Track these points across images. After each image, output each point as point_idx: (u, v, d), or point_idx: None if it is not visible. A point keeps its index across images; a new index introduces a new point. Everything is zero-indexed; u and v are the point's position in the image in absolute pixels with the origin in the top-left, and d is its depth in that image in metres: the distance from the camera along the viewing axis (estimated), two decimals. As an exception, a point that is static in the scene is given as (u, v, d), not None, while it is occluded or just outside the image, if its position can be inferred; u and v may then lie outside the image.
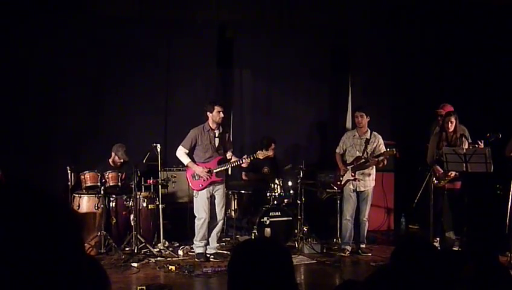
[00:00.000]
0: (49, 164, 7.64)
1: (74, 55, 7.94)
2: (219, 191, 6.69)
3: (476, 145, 6.52)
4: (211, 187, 6.61)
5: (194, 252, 6.72)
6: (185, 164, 6.67)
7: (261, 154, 6.66)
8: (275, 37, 8.89)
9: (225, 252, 6.87)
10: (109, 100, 8.22)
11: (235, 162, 6.65)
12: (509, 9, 8.19)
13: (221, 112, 6.51)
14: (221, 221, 6.76)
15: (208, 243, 6.69)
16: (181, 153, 6.62)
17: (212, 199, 6.64)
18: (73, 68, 7.99)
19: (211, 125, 6.57)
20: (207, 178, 6.51)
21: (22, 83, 7.75)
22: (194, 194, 6.62)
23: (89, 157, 7.59)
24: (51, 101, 7.89)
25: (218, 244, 6.84)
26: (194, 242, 6.66)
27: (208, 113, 6.54)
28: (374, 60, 9.28)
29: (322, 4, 8.85)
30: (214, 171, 6.54)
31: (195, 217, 6.63)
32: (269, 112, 8.94)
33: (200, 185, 6.55)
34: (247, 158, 6.59)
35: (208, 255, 6.66)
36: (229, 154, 6.78)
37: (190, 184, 6.66)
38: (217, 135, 6.62)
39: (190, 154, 6.62)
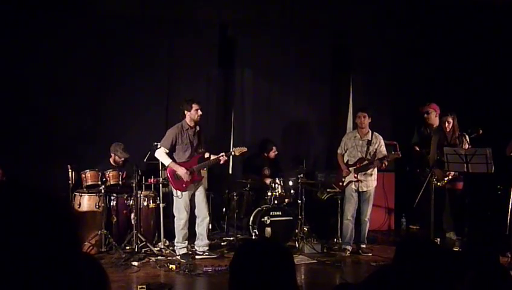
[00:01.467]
0: (50, 163, 7.63)
1: (75, 54, 7.93)
2: (200, 188, 6.67)
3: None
4: (193, 186, 6.60)
5: (195, 252, 6.70)
6: (166, 165, 6.58)
7: (237, 151, 6.73)
8: (276, 37, 8.89)
9: (227, 252, 6.89)
10: (110, 99, 8.22)
11: (214, 160, 6.65)
12: (508, 9, 8.18)
13: (199, 110, 6.51)
14: (208, 217, 6.72)
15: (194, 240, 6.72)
16: (161, 153, 6.54)
17: (193, 197, 6.62)
18: (74, 67, 7.98)
19: (189, 124, 6.55)
20: (188, 179, 6.49)
21: (23, 81, 7.74)
22: (177, 194, 6.53)
23: (90, 156, 7.59)
24: (51, 100, 7.89)
25: (208, 241, 6.77)
26: (176, 244, 6.60)
27: (186, 111, 6.52)
28: (375, 59, 9.27)
29: (323, 4, 8.85)
30: (195, 169, 6.53)
31: (175, 217, 6.58)
32: (270, 111, 8.93)
33: (183, 185, 6.51)
34: (225, 156, 6.64)
35: (200, 252, 6.66)
36: (206, 154, 6.76)
37: (172, 184, 6.59)
38: (195, 134, 6.61)
39: (170, 154, 6.58)
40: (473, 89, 8.82)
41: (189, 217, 6.60)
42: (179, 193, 6.52)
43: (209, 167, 6.75)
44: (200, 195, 6.65)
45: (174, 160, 6.55)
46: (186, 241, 6.63)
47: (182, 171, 6.47)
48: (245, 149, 6.82)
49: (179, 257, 6.51)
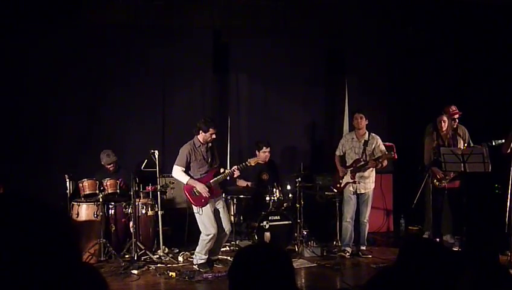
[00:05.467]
0: (47, 173, 7.62)
1: (71, 62, 7.94)
2: (220, 203, 6.64)
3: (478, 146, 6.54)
4: (213, 200, 6.54)
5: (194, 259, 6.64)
6: (185, 183, 6.53)
7: (252, 161, 6.66)
8: (270, 41, 8.89)
9: (227, 258, 6.87)
10: (106, 108, 8.21)
11: (228, 174, 6.62)
12: (506, 9, 8.21)
13: (214, 135, 6.52)
14: (229, 231, 6.69)
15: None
16: (178, 172, 6.52)
17: (216, 212, 6.56)
18: (70, 76, 7.98)
19: (201, 141, 6.55)
20: (207, 194, 6.44)
21: (19, 91, 7.73)
22: (197, 210, 6.45)
23: (87, 165, 7.58)
24: (48, 110, 7.88)
25: (218, 256, 6.79)
26: (197, 255, 6.53)
27: (201, 131, 6.50)
28: (370, 61, 9.28)
29: (316, 7, 8.86)
30: (211, 182, 6.49)
31: (201, 233, 6.45)
32: (266, 115, 8.93)
33: (202, 201, 6.44)
34: (238, 169, 6.60)
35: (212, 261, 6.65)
36: (221, 169, 6.76)
37: (191, 201, 6.52)
38: (207, 150, 6.61)
39: (185, 172, 6.55)
40: (468, 89, 8.83)
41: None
42: (199, 209, 6.45)
43: (224, 180, 6.73)
44: (221, 209, 6.60)
45: (191, 177, 6.52)
46: (207, 256, 6.54)
47: (200, 186, 6.42)
48: (261, 158, 6.83)
49: (196, 267, 6.45)
